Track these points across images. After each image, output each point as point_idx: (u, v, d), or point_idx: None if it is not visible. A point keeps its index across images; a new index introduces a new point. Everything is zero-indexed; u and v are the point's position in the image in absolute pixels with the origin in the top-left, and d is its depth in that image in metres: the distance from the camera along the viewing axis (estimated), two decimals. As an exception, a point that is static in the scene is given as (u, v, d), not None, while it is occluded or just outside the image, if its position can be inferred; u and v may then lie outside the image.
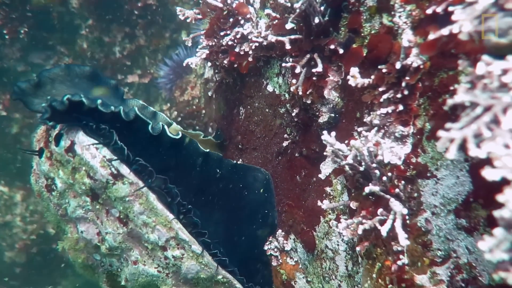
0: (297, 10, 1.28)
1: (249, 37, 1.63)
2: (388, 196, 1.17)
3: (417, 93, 1.14)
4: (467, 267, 1.07)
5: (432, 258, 1.12)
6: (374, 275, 1.20)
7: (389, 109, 1.19)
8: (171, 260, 1.52)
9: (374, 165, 1.17)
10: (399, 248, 1.14)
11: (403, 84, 1.15)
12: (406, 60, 1.11)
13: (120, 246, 1.56)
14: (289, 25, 1.41)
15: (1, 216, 3.92)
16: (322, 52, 1.38)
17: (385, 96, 1.19)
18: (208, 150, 1.66)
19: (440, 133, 0.82)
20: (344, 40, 1.32)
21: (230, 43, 1.68)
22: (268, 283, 1.67)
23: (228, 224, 1.70)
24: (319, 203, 1.46)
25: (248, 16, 1.67)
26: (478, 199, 1.04)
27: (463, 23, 0.85)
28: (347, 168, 1.24)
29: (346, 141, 1.36)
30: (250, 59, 1.66)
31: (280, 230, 1.66)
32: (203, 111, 2.94)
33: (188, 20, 1.82)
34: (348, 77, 1.25)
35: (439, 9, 1.01)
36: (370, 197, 1.22)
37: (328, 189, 1.47)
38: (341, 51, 1.32)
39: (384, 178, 1.17)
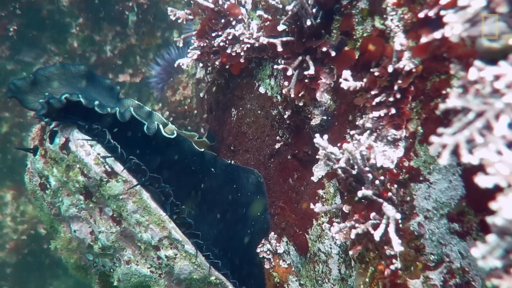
0: (289, 13, 1.26)
1: (241, 38, 1.61)
2: (381, 200, 1.16)
3: (410, 97, 1.13)
4: (460, 271, 1.07)
5: (425, 263, 1.12)
6: (367, 280, 1.20)
7: (382, 113, 1.18)
8: (164, 260, 1.51)
9: (366, 168, 1.17)
10: (392, 253, 1.14)
11: (396, 87, 1.14)
12: (398, 64, 1.11)
13: (113, 246, 1.54)
14: (281, 27, 1.39)
15: (-9, 216, 3.87)
16: (314, 55, 1.36)
17: (377, 100, 1.18)
18: (203, 150, 1.65)
19: (433, 138, 0.82)
20: (336, 43, 1.31)
21: (221, 44, 1.66)
22: (261, 286, 1.66)
23: (221, 226, 1.69)
24: (311, 205, 1.46)
25: (240, 17, 1.65)
26: (471, 204, 1.03)
27: (454, 25, 0.84)
28: (339, 171, 1.23)
29: (339, 144, 1.35)
30: (242, 60, 1.64)
31: (272, 233, 1.65)
32: (195, 111, 2.92)
33: (179, 21, 1.80)
34: (340, 80, 1.24)
35: (431, 13, 1.00)
36: (363, 200, 1.21)
37: (320, 191, 1.47)
38: (333, 53, 1.31)
39: (377, 181, 1.17)
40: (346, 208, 1.26)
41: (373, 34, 1.20)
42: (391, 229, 1.05)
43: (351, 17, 1.26)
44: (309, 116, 1.44)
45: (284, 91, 1.43)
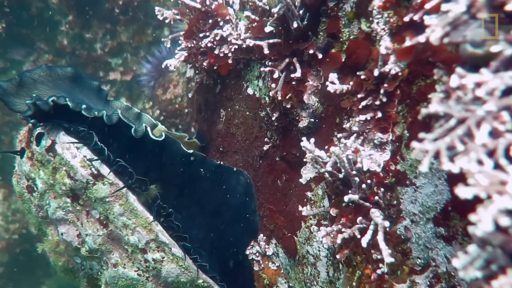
0: (275, 15, 1.25)
1: (229, 39, 1.60)
2: (368, 204, 1.16)
3: (396, 100, 1.13)
4: (446, 276, 1.07)
5: (412, 267, 1.12)
6: (354, 283, 1.20)
7: (368, 116, 1.17)
8: (151, 263, 1.50)
9: (353, 172, 1.16)
10: (379, 257, 1.13)
11: (382, 91, 1.13)
12: (384, 67, 1.10)
13: (100, 249, 1.53)
14: (268, 28, 1.38)
15: (-17, 216, 3.84)
16: (301, 57, 1.35)
17: (363, 103, 1.17)
18: (192, 151, 1.63)
19: (414, 144, 0.81)
20: (323, 45, 1.30)
21: (209, 45, 1.65)
22: (250, 288, 1.66)
23: (210, 228, 1.68)
24: (300, 208, 1.45)
25: (227, 17, 1.63)
26: (456, 209, 1.03)
27: (435, 28, 0.83)
28: (326, 175, 1.23)
29: (326, 147, 1.34)
30: (229, 61, 1.63)
31: (261, 235, 1.64)
32: (186, 110, 2.90)
33: (166, 21, 1.78)
34: (327, 83, 1.23)
35: (416, 17, 0.99)
36: (350, 204, 1.21)
37: (309, 193, 1.46)
38: (320, 56, 1.30)
39: (364, 185, 1.16)
40: (333, 212, 1.26)
41: (360, 37, 1.19)
42: (380, 238, 1.05)
43: (337, 19, 1.24)
44: (297, 118, 1.43)
45: (271, 93, 1.42)
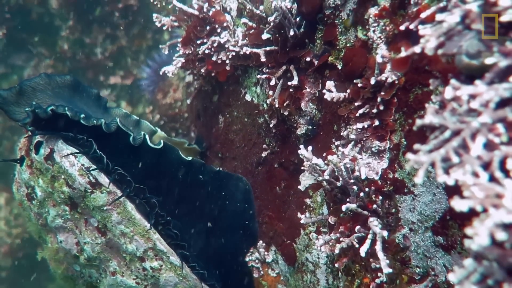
0: (271, 23, 1.25)
1: (226, 45, 1.60)
2: (366, 212, 1.15)
3: (393, 108, 1.12)
4: (445, 285, 1.07)
5: (411, 275, 1.11)
6: (352, 292, 1.19)
7: (365, 124, 1.17)
8: (149, 272, 1.50)
9: (351, 181, 1.16)
10: (378, 266, 1.13)
11: (379, 99, 1.13)
12: (380, 76, 1.09)
13: (99, 257, 1.53)
14: (265, 36, 1.38)
15: (-15, 220, 3.85)
16: (298, 64, 1.35)
17: (361, 111, 1.17)
18: (191, 158, 1.63)
19: (409, 155, 0.80)
20: (320, 53, 1.29)
21: (207, 51, 1.65)
22: (250, 294, 1.66)
23: (209, 235, 1.68)
24: (299, 215, 1.45)
25: (225, 24, 1.63)
26: (454, 218, 1.03)
27: (429, 38, 0.83)
28: (324, 183, 1.22)
29: (324, 154, 1.34)
30: (227, 68, 1.63)
31: (261, 241, 1.64)
32: (186, 115, 2.89)
33: (164, 28, 1.78)
34: (324, 91, 1.23)
35: (412, 26, 0.99)
36: (348, 212, 1.20)
37: (308, 200, 1.46)
38: (316, 63, 1.29)
39: (362, 193, 1.16)
40: (332, 220, 1.26)
41: (356, 44, 1.18)
42: (379, 247, 1.04)
43: (334, 27, 1.24)
44: (295, 125, 1.43)
45: (269, 100, 1.41)
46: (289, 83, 1.33)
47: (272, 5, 1.22)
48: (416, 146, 0.81)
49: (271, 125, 1.51)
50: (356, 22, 1.18)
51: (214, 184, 1.68)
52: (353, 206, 1.12)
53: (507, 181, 0.69)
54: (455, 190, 0.76)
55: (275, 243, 1.59)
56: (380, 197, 1.17)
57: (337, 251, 1.12)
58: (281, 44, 1.35)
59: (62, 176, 1.40)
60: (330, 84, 1.23)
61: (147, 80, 3.37)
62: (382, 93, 1.12)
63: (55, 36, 3.71)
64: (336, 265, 1.20)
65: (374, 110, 1.15)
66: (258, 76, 1.42)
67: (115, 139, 1.47)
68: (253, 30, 1.48)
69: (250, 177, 1.69)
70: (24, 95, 1.55)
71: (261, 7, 1.39)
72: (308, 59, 1.31)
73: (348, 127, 1.25)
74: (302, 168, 1.25)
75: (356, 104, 1.18)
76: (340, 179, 1.18)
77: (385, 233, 1.09)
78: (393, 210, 1.16)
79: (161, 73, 1.78)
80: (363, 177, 1.16)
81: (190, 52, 1.70)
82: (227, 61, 1.61)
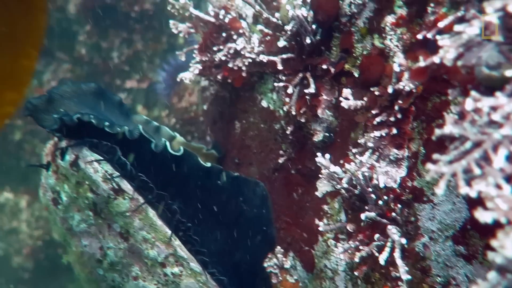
0: (288, 32, 1.25)
1: (242, 52, 1.61)
2: (385, 221, 1.16)
3: (410, 117, 1.12)
4: (465, 295, 1.06)
5: (432, 285, 1.11)
6: (371, 300, 1.20)
7: (383, 132, 1.17)
8: (170, 277, 1.53)
9: (369, 189, 1.16)
10: (398, 274, 1.13)
11: (396, 107, 1.12)
12: (398, 84, 1.09)
13: (121, 261, 1.57)
14: (281, 43, 1.38)
15: (8, 222, 3.96)
16: (315, 71, 1.35)
17: (378, 119, 1.17)
18: (209, 164, 1.65)
19: (429, 166, 0.81)
20: (336, 60, 1.29)
21: (223, 58, 1.66)
22: (269, 300, 1.67)
23: (228, 240, 1.69)
24: (316, 221, 1.45)
25: (241, 31, 1.64)
26: (475, 228, 1.02)
27: (448, 50, 0.83)
28: (343, 191, 1.23)
29: (341, 161, 1.34)
30: (243, 74, 1.64)
31: (279, 247, 1.65)
32: (201, 118, 2.92)
33: (181, 35, 1.80)
34: (341, 98, 1.23)
35: (429, 35, 0.99)
36: (367, 220, 1.20)
37: (325, 207, 1.46)
38: (333, 70, 1.30)
39: (380, 202, 1.16)
40: (350, 227, 1.26)
41: (373, 52, 1.18)
42: (397, 255, 1.04)
43: (350, 35, 1.24)
44: (311, 132, 1.43)
45: (286, 108, 1.42)
46: (305, 91, 1.33)
47: (289, 13, 1.22)
48: (436, 156, 0.81)
49: (287, 132, 1.52)
50: (373, 30, 1.18)
51: (232, 190, 1.70)
52: (372, 215, 1.12)
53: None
54: (475, 201, 0.76)
55: (293, 249, 1.60)
56: (399, 205, 1.17)
57: (356, 259, 1.13)
58: (297, 52, 1.36)
59: (87, 182, 1.45)
60: (347, 92, 1.23)
61: (162, 84, 3.41)
62: (400, 102, 1.11)
63: (73, 41, 3.78)
64: (355, 273, 1.21)
65: (392, 118, 1.15)
66: (276, 84, 1.43)
67: (137, 146, 1.51)
68: (269, 37, 1.49)
69: (267, 182, 1.70)
70: (53, 103, 1.60)
71: (277, 15, 1.40)
72: (324, 66, 1.31)
73: (365, 134, 1.25)
74: (320, 176, 1.26)
75: (373, 112, 1.18)
76: (358, 187, 1.18)
77: (403, 241, 1.09)
78: (412, 218, 1.16)
79: (178, 79, 1.80)
80: (381, 185, 1.16)
81: (207, 59, 1.72)
82: (243, 68, 1.63)
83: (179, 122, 3.03)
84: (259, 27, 1.52)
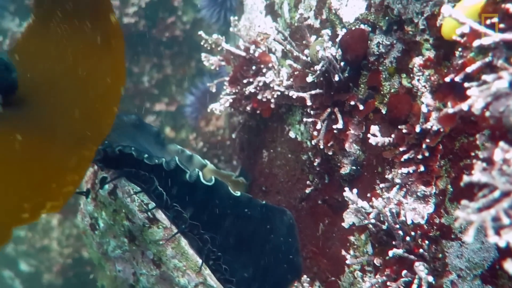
0: (318, 72, 1.31)
1: (271, 85, 1.67)
2: (412, 257, 1.17)
3: (438, 155, 1.14)
4: (494, 335, 1.06)
5: (458, 323, 1.11)
6: (399, 336, 1.20)
7: (410, 169, 1.19)
8: (199, 305, 1.57)
9: (397, 226, 1.18)
10: (424, 311, 1.14)
11: (424, 145, 1.15)
12: (426, 124, 1.12)
13: (153, 288, 1.63)
14: (310, 78, 1.43)
15: (40, 240, 4.10)
16: (343, 107, 1.40)
17: (405, 156, 1.20)
18: (239, 193, 1.69)
19: (458, 213, 0.83)
20: (364, 97, 1.34)
21: (253, 90, 1.73)
22: (295, 328, 1.68)
23: (255, 268, 1.73)
24: (343, 252, 1.48)
25: (270, 65, 1.71)
26: (504, 268, 1.02)
27: (476, 99, 0.86)
28: (370, 226, 1.25)
29: (369, 195, 1.37)
30: (272, 106, 1.70)
31: (305, 276, 1.67)
32: (228, 142, 2.99)
33: (212, 67, 1.89)
34: (369, 135, 1.27)
35: (457, 79, 1.02)
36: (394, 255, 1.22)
37: (352, 238, 1.48)
38: (361, 107, 1.34)
39: (408, 238, 1.18)
40: (377, 261, 1.28)
41: (400, 91, 1.22)
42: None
43: (378, 73, 1.28)
44: (338, 164, 1.47)
45: (314, 142, 1.47)
46: (334, 127, 1.37)
47: (318, 54, 1.28)
48: (465, 202, 0.83)
49: (315, 164, 1.56)
50: (401, 69, 1.22)
51: (260, 218, 1.74)
52: (399, 251, 1.14)
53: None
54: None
55: (319, 278, 1.62)
56: (427, 242, 1.18)
57: (384, 296, 1.14)
58: (325, 88, 1.41)
59: (123, 211, 1.52)
60: (374, 128, 1.26)
61: (190, 107, 3.52)
62: (428, 140, 1.14)
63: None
64: (383, 308, 1.22)
65: (419, 156, 1.17)
66: (304, 119, 1.48)
67: (173, 176, 1.57)
68: (297, 72, 1.55)
69: (294, 211, 1.74)
70: None
71: (306, 51, 1.46)
72: (352, 102, 1.36)
73: (392, 170, 1.28)
74: (347, 210, 1.29)
75: (400, 149, 1.21)
76: (386, 223, 1.21)
77: (430, 279, 1.11)
78: (440, 255, 1.17)
79: (208, 110, 1.88)
80: (408, 222, 1.18)
81: (237, 91, 1.79)
82: (272, 100, 1.68)
83: (206, 146, 3.11)
84: (288, 62, 1.58)
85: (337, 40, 1.34)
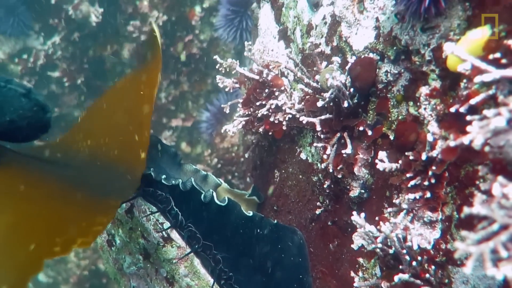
0: (327, 99, 1.35)
1: (283, 108, 1.72)
2: (418, 282, 1.19)
3: (444, 182, 1.17)
4: None
5: None
6: None
7: (417, 195, 1.22)
8: (210, 324, 1.61)
9: (403, 250, 1.21)
10: (430, 336, 1.15)
11: (430, 172, 1.18)
12: (431, 152, 1.15)
13: (166, 305, 1.67)
14: (320, 103, 1.48)
15: (58, 251, 4.21)
16: (352, 132, 1.44)
17: (412, 182, 1.22)
18: (251, 213, 1.73)
19: (458, 245, 0.85)
20: (373, 123, 1.37)
21: (265, 113, 1.78)
22: None
23: (266, 287, 1.75)
24: (352, 273, 1.50)
25: (282, 88, 1.77)
26: (508, 296, 1.04)
27: (476, 136, 0.89)
28: (378, 250, 1.28)
29: (377, 218, 1.40)
30: (284, 127, 1.74)
31: (314, 296, 1.70)
32: (242, 159, 3.05)
33: (226, 89, 1.96)
34: (377, 161, 1.30)
35: (462, 109, 1.05)
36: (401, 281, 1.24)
37: (361, 260, 1.51)
38: (370, 132, 1.37)
39: (414, 263, 1.20)
40: (384, 285, 1.30)
41: (408, 119, 1.26)
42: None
43: (386, 100, 1.32)
44: (348, 187, 1.50)
45: (323, 165, 1.50)
46: (343, 151, 1.41)
47: (328, 82, 1.33)
48: (465, 233, 0.86)
49: (325, 186, 1.59)
50: (408, 97, 1.26)
51: (272, 237, 1.77)
52: (405, 277, 1.16)
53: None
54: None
55: (328, 299, 1.64)
56: (433, 267, 1.20)
57: (390, 320, 1.16)
58: (335, 113, 1.45)
59: (139, 229, 1.58)
60: (382, 154, 1.30)
61: (206, 123, 3.60)
62: (434, 168, 1.17)
63: (125, 82, 4.08)
64: (389, 331, 1.24)
65: (426, 183, 1.20)
66: (315, 144, 1.52)
67: (188, 196, 1.63)
68: (308, 97, 1.60)
69: (304, 232, 1.77)
70: None
71: (317, 77, 1.51)
72: (361, 128, 1.39)
73: (400, 195, 1.31)
74: (355, 234, 1.32)
75: (407, 175, 1.24)
76: (393, 247, 1.23)
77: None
78: (446, 280, 1.19)
79: (222, 131, 1.94)
80: (415, 248, 1.20)
81: (250, 112, 1.84)
82: (284, 122, 1.73)
83: (221, 162, 3.18)
84: (300, 86, 1.63)
85: (347, 67, 1.39)
